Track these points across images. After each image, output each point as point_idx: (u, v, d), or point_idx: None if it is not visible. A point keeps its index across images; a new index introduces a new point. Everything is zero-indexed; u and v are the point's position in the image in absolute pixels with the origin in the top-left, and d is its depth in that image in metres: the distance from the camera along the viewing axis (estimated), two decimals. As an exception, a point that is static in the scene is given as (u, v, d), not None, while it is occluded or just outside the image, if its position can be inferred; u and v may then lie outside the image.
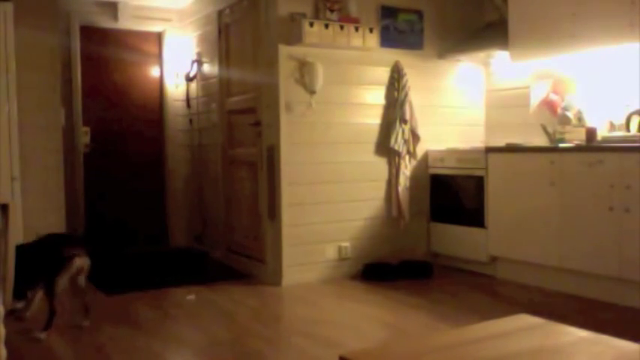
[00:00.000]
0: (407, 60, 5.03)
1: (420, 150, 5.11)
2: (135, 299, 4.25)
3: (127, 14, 6.03)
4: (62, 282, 3.42)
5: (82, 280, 3.54)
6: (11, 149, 3.87)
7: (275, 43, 4.53)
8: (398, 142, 4.90)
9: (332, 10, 4.58)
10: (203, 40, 5.81)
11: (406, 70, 4.97)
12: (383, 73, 4.96)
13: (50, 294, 3.37)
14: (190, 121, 6.12)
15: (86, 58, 5.92)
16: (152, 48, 6.35)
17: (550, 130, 4.61)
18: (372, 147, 4.93)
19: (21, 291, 3.40)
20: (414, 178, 5.09)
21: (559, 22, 4.37)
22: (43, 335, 3.34)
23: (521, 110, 5.06)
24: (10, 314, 3.36)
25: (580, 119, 4.54)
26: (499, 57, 5.09)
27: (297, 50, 4.55)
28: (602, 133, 4.33)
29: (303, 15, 4.48)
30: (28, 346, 3.26)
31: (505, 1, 4.84)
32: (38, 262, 3.41)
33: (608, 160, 3.86)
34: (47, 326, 3.35)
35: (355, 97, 4.85)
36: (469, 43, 5.18)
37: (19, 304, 3.57)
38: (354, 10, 4.70)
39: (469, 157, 4.84)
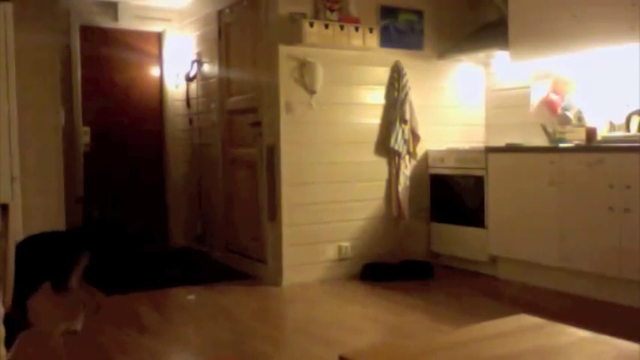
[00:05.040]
0: (407, 60, 5.03)
1: (420, 150, 5.11)
2: (135, 299, 4.25)
3: (127, 14, 6.03)
4: (75, 282, 3.24)
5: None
6: (11, 149, 3.87)
7: (275, 43, 4.53)
8: (398, 142, 4.90)
9: (332, 10, 4.58)
10: (203, 40, 5.81)
11: (406, 70, 4.97)
12: (383, 73, 4.96)
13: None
14: (190, 120, 6.12)
15: (86, 58, 5.92)
16: (152, 48, 6.35)
17: (550, 130, 4.61)
18: (372, 147, 4.93)
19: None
20: (414, 178, 5.09)
21: (559, 22, 4.37)
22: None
23: (521, 110, 5.05)
24: None
25: (580, 119, 4.54)
26: (499, 57, 5.09)
27: (297, 50, 4.55)
28: (602, 133, 4.33)
29: (303, 15, 4.48)
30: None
31: (505, 1, 4.84)
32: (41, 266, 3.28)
33: (608, 160, 3.86)
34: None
35: (355, 97, 4.85)
36: (469, 43, 5.18)
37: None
38: (354, 10, 4.71)
39: (469, 157, 4.84)
